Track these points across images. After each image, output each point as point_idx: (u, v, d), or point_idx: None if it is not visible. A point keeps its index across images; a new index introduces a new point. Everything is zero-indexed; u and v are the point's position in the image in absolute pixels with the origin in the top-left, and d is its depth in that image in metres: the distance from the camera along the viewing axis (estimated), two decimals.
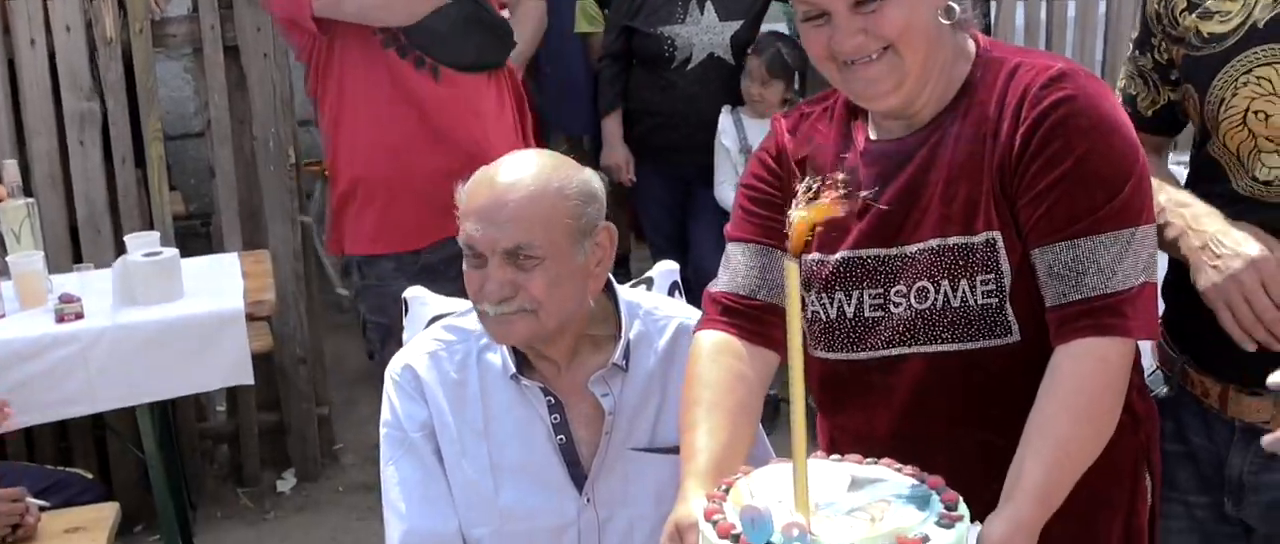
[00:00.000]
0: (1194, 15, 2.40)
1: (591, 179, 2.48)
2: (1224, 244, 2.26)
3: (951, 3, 2.13)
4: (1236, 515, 2.47)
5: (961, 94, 2.17)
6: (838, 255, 2.22)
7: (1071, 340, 2.03)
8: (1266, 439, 2.10)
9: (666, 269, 2.92)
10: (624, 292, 2.63)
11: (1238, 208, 2.31)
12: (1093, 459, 2.00)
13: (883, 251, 2.19)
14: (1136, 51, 2.56)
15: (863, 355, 2.22)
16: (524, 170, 2.42)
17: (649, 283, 2.88)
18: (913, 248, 2.16)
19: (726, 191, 5.23)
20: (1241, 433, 2.41)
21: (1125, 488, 2.26)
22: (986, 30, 2.27)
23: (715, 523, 1.79)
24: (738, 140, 5.24)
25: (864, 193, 2.19)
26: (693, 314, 2.65)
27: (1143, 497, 2.29)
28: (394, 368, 2.61)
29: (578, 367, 2.54)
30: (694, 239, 5.49)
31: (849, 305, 2.23)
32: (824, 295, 2.25)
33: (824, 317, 2.26)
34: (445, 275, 3.74)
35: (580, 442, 2.53)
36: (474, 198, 2.42)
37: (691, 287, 2.95)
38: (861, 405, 2.26)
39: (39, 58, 5.01)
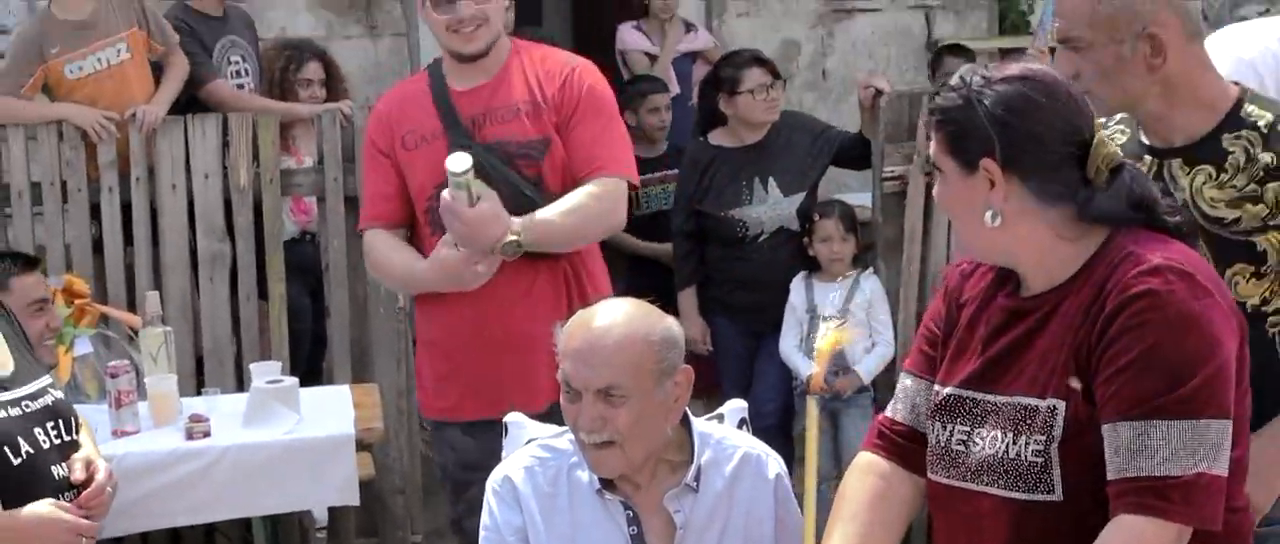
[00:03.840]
0: None
1: (673, 326, 2.88)
2: None
3: (991, 210, 2.37)
4: None
5: (1086, 270, 2.37)
6: (946, 389, 2.51)
7: (1118, 515, 2.24)
8: None
9: (736, 407, 3.30)
10: (698, 423, 3.02)
11: None
12: None
13: (980, 395, 2.45)
14: None
15: (949, 482, 2.49)
16: (615, 317, 2.83)
17: (721, 418, 3.27)
18: (1001, 398, 2.41)
19: (789, 347, 5.58)
20: None
21: None
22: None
23: None
24: (806, 303, 5.57)
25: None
26: (756, 446, 3.04)
27: None
28: (494, 479, 3.00)
29: (655, 486, 2.91)
30: (758, 379, 5.79)
31: (944, 435, 2.50)
32: (930, 421, 2.54)
33: (931, 440, 2.54)
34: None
35: None
36: (571, 340, 2.83)
37: (752, 421, 3.32)
38: (956, 528, 2.51)
39: (179, 201, 5.54)
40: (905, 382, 2.66)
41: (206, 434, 4.49)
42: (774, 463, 2.99)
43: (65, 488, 3.12)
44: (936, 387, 2.55)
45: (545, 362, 3.55)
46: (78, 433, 3.26)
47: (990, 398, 2.44)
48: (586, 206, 3.83)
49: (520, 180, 3.83)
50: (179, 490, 4.42)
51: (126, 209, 5.65)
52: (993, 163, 2.36)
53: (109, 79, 5.83)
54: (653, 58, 7.64)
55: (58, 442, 3.15)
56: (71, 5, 5.85)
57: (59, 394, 3.24)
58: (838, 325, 2.62)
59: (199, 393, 5.13)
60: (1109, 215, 2.39)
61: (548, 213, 3.79)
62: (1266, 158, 2.72)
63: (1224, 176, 2.76)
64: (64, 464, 3.14)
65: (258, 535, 4.63)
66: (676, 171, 6.14)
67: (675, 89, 7.28)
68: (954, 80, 2.44)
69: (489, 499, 2.99)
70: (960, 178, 2.41)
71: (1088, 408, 2.32)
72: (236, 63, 6.41)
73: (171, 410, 4.64)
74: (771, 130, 5.81)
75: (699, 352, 5.90)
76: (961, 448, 2.46)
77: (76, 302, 4.89)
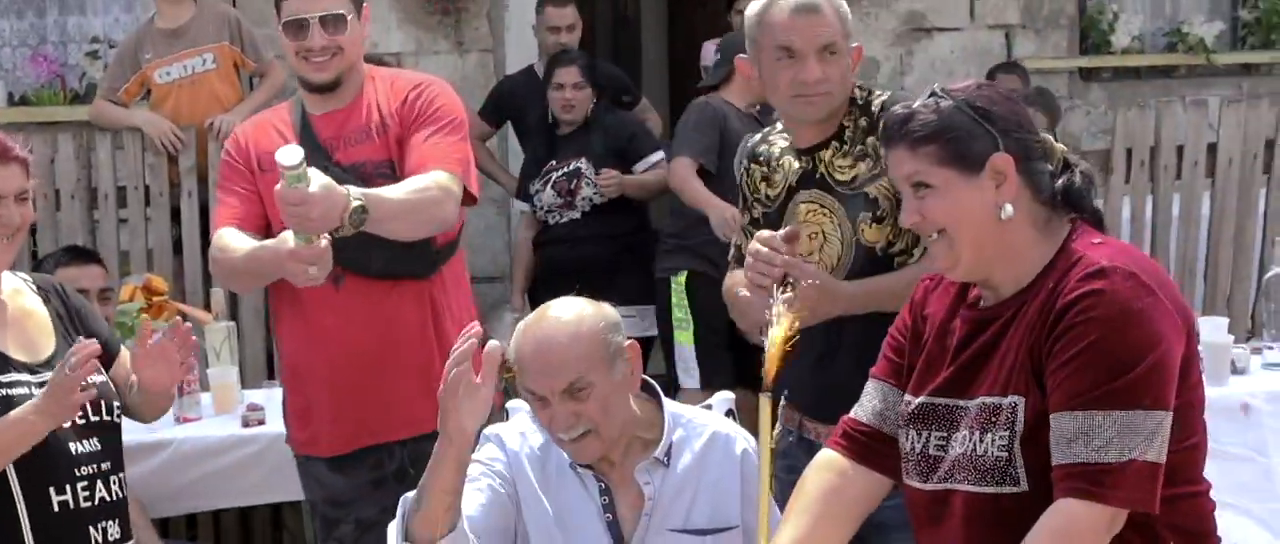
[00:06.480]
0: (764, 184, 3.31)
1: (610, 312, 3.06)
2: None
3: (1007, 204, 2.53)
4: None
5: (1042, 277, 2.54)
6: (919, 399, 2.65)
7: (1058, 499, 2.40)
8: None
9: (724, 397, 3.50)
10: (670, 404, 3.19)
11: None
12: None
13: (953, 401, 2.60)
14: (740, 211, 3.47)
15: (926, 487, 2.63)
16: (560, 317, 3.00)
17: (709, 407, 3.44)
18: (973, 403, 2.56)
19: None
20: None
21: None
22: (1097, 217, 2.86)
23: None
24: None
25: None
26: (726, 425, 3.21)
27: None
28: (490, 430, 3.16)
29: (628, 461, 3.08)
30: None
31: (919, 442, 2.65)
32: (903, 430, 2.68)
33: (905, 448, 2.67)
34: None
35: (624, 521, 3.07)
36: (522, 351, 2.98)
37: None
38: (931, 528, 2.64)
39: None
40: (872, 388, 2.82)
41: (261, 422, 4.75)
42: (742, 441, 3.16)
43: (82, 463, 3.32)
44: (908, 397, 2.70)
45: (408, 391, 3.77)
46: (114, 415, 3.45)
47: (962, 403, 2.58)
48: (423, 187, 3.62)
49: None
50: (235, 472, 4.71)
51: (205, 212, 5.95)
52: (1003, 158, 2.53)
53: (191, 87, 6.21)
54: None
55: (82, 422, 3.32)
56: (169, 14, 6.27)
57: (96, 379, 3.41)
58: (788, 309, 2.73)
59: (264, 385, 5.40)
60: (1080, 194, 2.60)
61: (383, 189, 3.56)
62: (864, 122, 3.30)
63: (845, 146, 3.31)
64: (84, 442, 3.32)
65: (308, 519, 4.87)
66: None
67: None
68: (920, 101, 2.61)
69: (480, 447, 3.12)
70: (963, 183, 2.54)
71: (1045, 402, 2.46)
72: None
73: (231, 400, 4.93)
74: None
75: None
76: (939, 452, 2.61)
77: (154, 298, 5.18)
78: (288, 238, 3.36)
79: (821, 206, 3.31)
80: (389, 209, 3.47)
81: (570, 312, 3.03)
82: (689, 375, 6.15)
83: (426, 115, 3.79)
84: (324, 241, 3.31)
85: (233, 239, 3.74)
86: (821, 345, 3.06)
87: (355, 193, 3.34)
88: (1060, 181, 2.60)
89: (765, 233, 3.15)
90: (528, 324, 3.04)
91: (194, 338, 3.47)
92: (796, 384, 2.86)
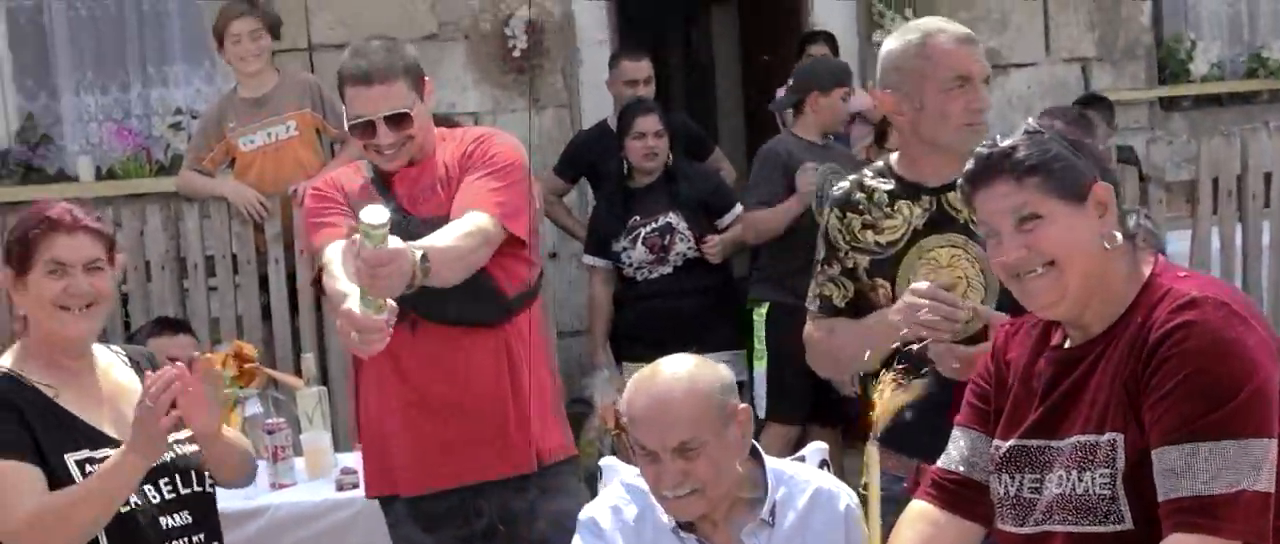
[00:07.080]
0: (870, 232, 3.22)
1: (726, 373, 3.07)
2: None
3: (1114, 232, 2.54)
4: None
5: (1129, 312, 2.54)
6: (1009, 442, 2.64)
7: (1169, 534, 2.38)
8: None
9: (817, 448, 3.50)
10: (771, 461, 3.18)
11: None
12: None
13: (1044, 443, 2.58)
14: (824, 265, 3.39)
15: (1022, 530, 2.61)
16: (677, 374, 3.02)
17: (803, 459, 3.44)
18: (1066, 442, 2.54)
19: None
20: None
21: None
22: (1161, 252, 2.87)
23: None
24: None
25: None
26: (827, 480, 3.20)
27: None
28: (584, 515, 3.20)
29: (730, 523, 3.07)
30: None
31: (1012, 486, 2.63)
32: (996, 475, 2.66)
33: (998, 493, 2.66)
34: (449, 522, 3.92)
35: None
36: (635, 406, 3.00)
37: None
38: None
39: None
40: (959, 436, 2.81)
41: (356, 486, 4.73)
42: (845, 496, 3.14)
43: (173, 537, 3.34)
44: (997, 442, 2.69)
45: (482, 435, 3.80)
46: (206, 485, 3.47)
47: (1054, 444, 2.57)
48: (466, 231, 3.61)
49: None
50: (329, 539, 4.71)
51: (292, 279, 6.01)
52: (1104, 188, 2.56)
53: (274, 154, 6.28)
54: None
55: (171, 496, 3.36)
56: (252, 84, 6.36)
57: (185, 450, 3.41)
58: (896, 382, 2.72)
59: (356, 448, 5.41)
60: (1151, 230, 2.63)
61: (431, 238, 3.52)
62: None
63: None
64: (175, 516, 3.35)
65: None
66: None
67: None
68: (1016, 136, 2.61)
69: (579, 532, 3.17)
70: (1070, 214, 2.54)
71: (1144, 438, 2.45)
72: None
73: (324, 464, 4.95)
74: None
75: None
76: (1034, 495, 2.59)
77: (245, 366, 5.22)
78: (353, 298, 3.30)
79: (965, 252, 3.30)
80: (442, 257, 3.43)
81: (686, 369, 3.03)
82: (760, 404, 6.23)
83: (481, 161, 3.81)
84: (388, 316, 3.23)
85: (339, 264, 3.61)
86: (939, 394, 3.00)
87: (414, 246, 3.32)
88: (1131, 219, 2.63)
89: (922, 285, 3.10)
90: (642, 378, 3.05)
91: (208, 357, 3.51)
92: (912, 432, 2.83)
